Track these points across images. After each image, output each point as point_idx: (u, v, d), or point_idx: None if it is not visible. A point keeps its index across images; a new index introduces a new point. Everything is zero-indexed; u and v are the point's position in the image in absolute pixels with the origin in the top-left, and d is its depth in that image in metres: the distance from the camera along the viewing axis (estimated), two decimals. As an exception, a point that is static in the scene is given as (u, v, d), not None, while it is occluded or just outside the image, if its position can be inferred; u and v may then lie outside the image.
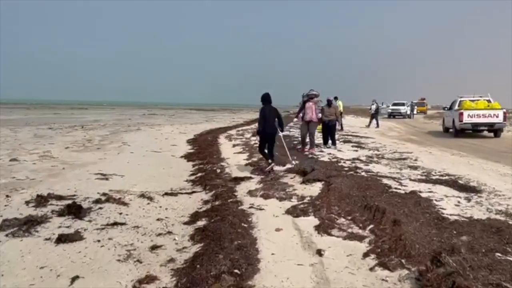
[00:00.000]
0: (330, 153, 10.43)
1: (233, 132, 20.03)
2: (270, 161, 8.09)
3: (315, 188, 6.41)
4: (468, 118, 16.69)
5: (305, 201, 5.74)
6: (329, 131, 11.83)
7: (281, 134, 8.50)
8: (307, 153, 10.36)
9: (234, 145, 13.13)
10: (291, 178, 7.38)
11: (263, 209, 5.54)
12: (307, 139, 10.82)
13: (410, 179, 6.91)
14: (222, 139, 15.99)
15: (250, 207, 5.62)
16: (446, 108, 20.47)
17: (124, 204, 6.09)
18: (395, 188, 6.08)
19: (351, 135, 17.03)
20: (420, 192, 5.84)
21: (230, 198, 6.12)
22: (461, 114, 16.81)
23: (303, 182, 6.86)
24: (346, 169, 7.96)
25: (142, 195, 6.63)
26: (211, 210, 5.59)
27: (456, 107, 18.20)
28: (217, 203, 5.98)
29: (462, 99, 18.38)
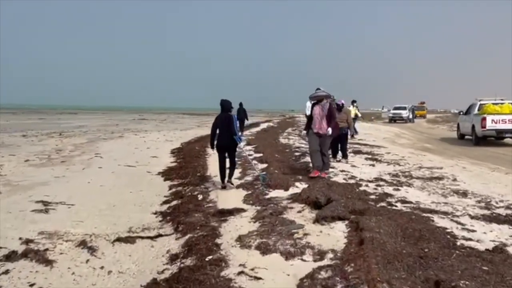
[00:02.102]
0: (343, 170, 8.35)
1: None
2: (225, 180, 7.20)
3: (337, 234, 4.33)
4: (492, 124, 14.65)
5: (326, 261, 3.64)
6: (340, 141, 9.74)
7: (241, 145, 7.24)
8: (314, 176, 7.37)
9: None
10: (299, 212, 5.29)
11: (260, 278, 3.43)
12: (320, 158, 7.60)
13: (471, 216, 4.84)
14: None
15: (239, 273, 3.51)
16: (461, 113, 18.42)
17: (48, 262, 3.99)
18: (463, 238, 3.99)
19: (358, 144, 14.95)
20: (506, 246, 3.76)
21: (209, 253, 4.00)
22: (484, 119, 14.77)
23: (317, 221, 4.78)
24: (372, 197, 5.89)
25: (83, 243, 4.53)
26: (176, 278, 3.48)
27: (476, 111, 16.16)
28: (188, 261, 3.87)
29: (482, 102, 16.33)
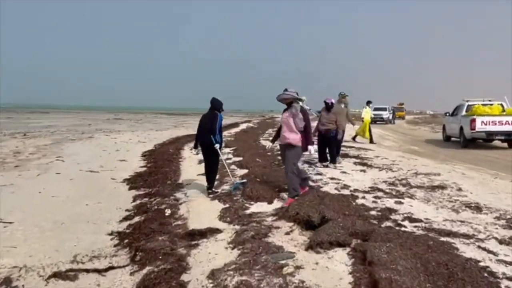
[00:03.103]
0: (333, 178, 7.41)
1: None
2: (208, 185, 6.69)
3: (338, 267, 3.37)
4: (482, 125, 14.00)
5: (328, 313, 2.68)
6: (328, 145, 8.81)
7: (216, 146, 6.50)
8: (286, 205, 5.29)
9: (200, 161, 9.94)
10: (287, 233, 4.31)
11: None
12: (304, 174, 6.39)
13: (498, 240, 3.95)
14: (186, 151, 12.78)
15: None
16: (447, 114, 17.80)
17: None
18: (505, 277, 3.08)
19: (344, 146, 14.07)
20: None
21: (171, 298, 2.99)
22: (473, 121, 14.11)
23: (310, 247, 3.81)
24: (373, 213, 4.95)
25: (6, 281, 3.44)
26: None
27: (464, 112, 15.53)
28: (142, 313, 2.85)
29: (470, 103, 15.72)
